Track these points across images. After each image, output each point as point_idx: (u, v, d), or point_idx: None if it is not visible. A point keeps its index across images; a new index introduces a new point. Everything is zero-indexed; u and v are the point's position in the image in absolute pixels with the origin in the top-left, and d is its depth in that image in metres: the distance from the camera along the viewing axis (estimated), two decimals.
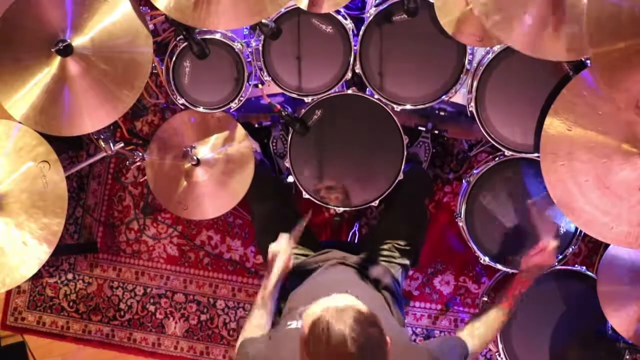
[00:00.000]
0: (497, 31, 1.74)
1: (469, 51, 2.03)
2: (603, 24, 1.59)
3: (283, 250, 1.86)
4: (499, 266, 2.15)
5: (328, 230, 2.74)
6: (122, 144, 2.20)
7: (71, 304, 2.87)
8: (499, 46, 1.99)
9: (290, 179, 2.18)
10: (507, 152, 2.08)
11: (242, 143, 2.17)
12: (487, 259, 2.16)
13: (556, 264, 2.11)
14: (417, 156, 2.52)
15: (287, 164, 2.16)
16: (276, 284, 1.82)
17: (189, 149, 2.14)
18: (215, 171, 2.18)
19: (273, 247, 1.86)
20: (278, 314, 1.84)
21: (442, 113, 2.33)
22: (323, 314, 1.29)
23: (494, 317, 1.80)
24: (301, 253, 2.09)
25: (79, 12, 1.86)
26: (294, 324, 1.64)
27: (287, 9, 2.05)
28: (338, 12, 2.06)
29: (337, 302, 1.33)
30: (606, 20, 1.58)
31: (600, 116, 1.80)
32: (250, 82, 2.14)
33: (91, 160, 2.41)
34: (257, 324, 1.75)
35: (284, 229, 1.97)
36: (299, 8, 1.96)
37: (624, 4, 1.57)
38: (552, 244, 1.86)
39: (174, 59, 2.11)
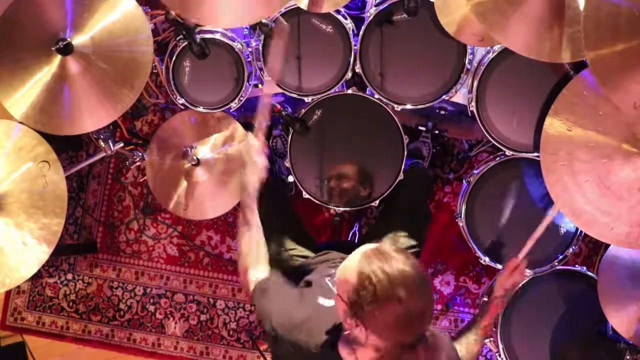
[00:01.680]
0: (494, 32, 1.74)
1: (469, 51, 2.03)
2: (601, 25, 1.59)
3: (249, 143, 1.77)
4: (499, 266, 2.15)
5: (328, 230, 2.74)
6: (121, 144, 2.20)
7: (71, 304, 2.86)
8: (499, 46, 1.99)
9: (291, 178, 2.18)
10: (508, 152, 2.08)
11: (242, 143, 2.17)
12: (487, 259, 2.16)
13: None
14: (419, 151, 2.52)
15: (287, 164, 2.16)
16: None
17: (189, 149, 2.14)
18: (215, 171, 2.18)
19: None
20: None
21: (442, 112, 2.33)
22: (378, 249, 1.29)
23: (473, 342, 1.81)
24: (300, 255, 2.09)
25: (79, 11, 1.87)
26: (321, 300, 1.57)
27: (287, 9, 2.05)
28: (338, 12, 2.06)
29: (365, 249, 1.31)
30: (604, 21, 1.58)
31: (600, 116, 1.80)
32: (250, 82, 2.14)
33: (91, 160, 2.41)
34: (253, 249, 1.69)
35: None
36: (299, 8, 1.96)
37: (622, 4, 1.57)
38: (524, 262, 1.91)
39: (174, 58, 2.11)
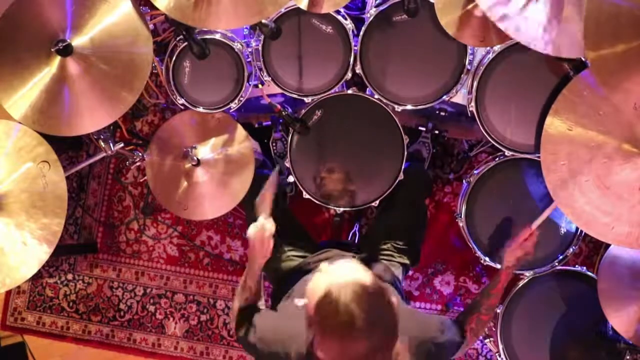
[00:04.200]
0: (503, 25, 1.72)
1: (469, 51, 2.03)
2: (602, 25, 1.58)
3: (264, 228, 1.75)
4: (499, 266, 2.15)
5: (328, 230, 2.74)
6: (122, 144, 2.20)
7: (71, 304, 2.86)
8: (499, 46, 1.99)
9: (291, 179, 2.18)
10: (508, 152, 2.08)
11: (242, 144, 2.17)
12: (487, 259, 2.16)
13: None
14: (419, 153, 2.52)
15: (287, 164, 2.16)
16: (259, 270, 1.80)
17: (189, 149, 2.14)
18: (216, 172, 2.18)
19: (252, 231, 1.75)
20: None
21: (442, 113, 2.34)
22: (329, 290, 1.29)
23: (484, 313, 1.82)
24: (299, 254, 2.08)
25: (79, 12, 1.86)
26: (301, 302, 1.63)
27: (287, 9, 2.05)
28: (338, 12, 2.06)
29: (340, 277, 1.32)
30: (605, 21, 1.58)
31: (600, 116, 1.80)
32: (250, 82, 2.14)
33: (91, 161, 2.40)
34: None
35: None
36: (299, 8, 1.96)
37: (623, 4, 1.57)
38: (535, 233, 1.88)
39: (173, 59, 2.11)
